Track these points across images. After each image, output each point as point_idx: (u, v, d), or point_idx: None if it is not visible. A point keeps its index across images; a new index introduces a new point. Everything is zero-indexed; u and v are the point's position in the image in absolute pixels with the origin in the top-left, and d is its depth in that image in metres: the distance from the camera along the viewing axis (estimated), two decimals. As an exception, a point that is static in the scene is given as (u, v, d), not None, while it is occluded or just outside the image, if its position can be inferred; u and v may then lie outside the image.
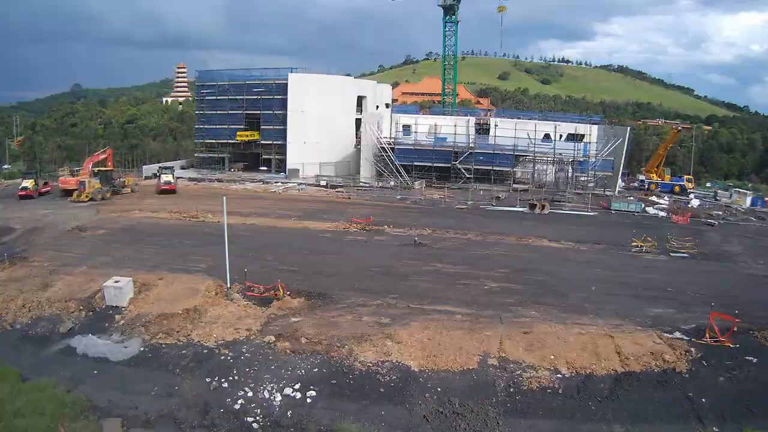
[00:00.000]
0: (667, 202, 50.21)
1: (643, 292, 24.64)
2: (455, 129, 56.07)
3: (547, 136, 56.69)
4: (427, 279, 25.68)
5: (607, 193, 53.38)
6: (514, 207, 45.07)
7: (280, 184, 55.21)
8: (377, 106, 67.32)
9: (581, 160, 54.77)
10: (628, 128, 64.17)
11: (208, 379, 17.23)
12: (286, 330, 19.56)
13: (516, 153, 54.88)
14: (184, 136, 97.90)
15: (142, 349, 18.70)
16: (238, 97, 63.09)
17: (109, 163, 50.72)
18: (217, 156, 64.33)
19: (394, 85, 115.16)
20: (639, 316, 21.26)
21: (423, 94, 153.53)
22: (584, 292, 24.25)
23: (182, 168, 65.89)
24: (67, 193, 45.10)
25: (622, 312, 21.64)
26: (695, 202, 50.94)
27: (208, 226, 34.75)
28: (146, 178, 59.06)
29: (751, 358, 18.01)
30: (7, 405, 15.52)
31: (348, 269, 26.84)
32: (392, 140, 58.13)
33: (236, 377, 17.19)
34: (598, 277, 26.93)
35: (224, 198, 23.64)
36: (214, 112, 64.64)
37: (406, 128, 61.88)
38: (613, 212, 45.00)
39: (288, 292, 22.97)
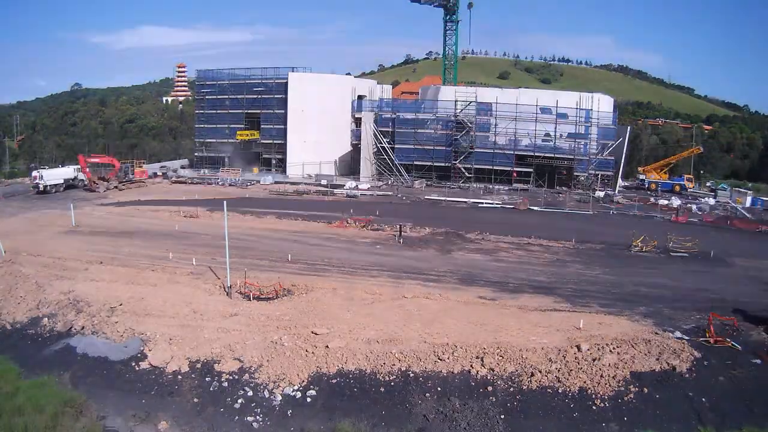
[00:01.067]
0: (677, 203, 49.45)
1: (643, 291, 24.62)
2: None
3: (547, 136, 56.72)
4: (423, 276, 25.70)
5: (608, 192, 53.38)
6: (506, 205, 45.62)
7: (277, 182, 55.18)
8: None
9: (581, 159, 54.80)
10: (629, 127, 64.21)
11: (208, 379, 17.23)
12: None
13: (516, 152, 54.98)
14: (184, 135, 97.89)
15: (142, 348, 18.69)
16: (238, 96, 63.11)
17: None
18: (217, 155, 64.32)
19: (394, 84, 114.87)
20: (639, 315, 21.25)
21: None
22: (584, 292, 24.26)
23: (182, 167, 65.94)
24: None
25: (622, 311, 21.64)
26: (694, 206, 48.18)
27: (208, 226, 34.73)
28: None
29: (751, 358, 18.02)
30: (6, 403, 15.51)
31: (344, 264, 26.90)
32: (392, 140, 58.12)
33: (237, 376, 17.20)
34: (598, 276, 26.93)
35: (225, 202, 23.74)
36: (215, 111, 64.65)
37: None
38: (613, 213, 45.01)
39: (286, 291, 23.03)
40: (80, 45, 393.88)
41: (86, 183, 50.69)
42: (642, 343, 18.44)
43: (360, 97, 63.35)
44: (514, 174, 55.80)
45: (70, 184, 49.86)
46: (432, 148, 57.07)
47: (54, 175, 49.70)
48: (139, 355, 18.42)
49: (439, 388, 16.60)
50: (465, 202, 47.31)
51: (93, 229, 33.93)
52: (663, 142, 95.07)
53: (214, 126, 64.24)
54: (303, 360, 17.74)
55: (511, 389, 16.56)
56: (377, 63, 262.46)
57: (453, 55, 74.25)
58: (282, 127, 60.48)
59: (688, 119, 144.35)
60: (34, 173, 49.53)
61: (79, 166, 51.33)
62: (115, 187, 50.82)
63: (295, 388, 16.73)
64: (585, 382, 16.68)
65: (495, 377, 16.98)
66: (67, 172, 51.08)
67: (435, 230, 35.55)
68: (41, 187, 47.41)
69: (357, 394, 16.57)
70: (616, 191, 54.56)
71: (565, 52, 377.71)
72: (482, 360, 17.60)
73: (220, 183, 55.81)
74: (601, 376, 16.84)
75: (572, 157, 55.05)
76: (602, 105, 57.93)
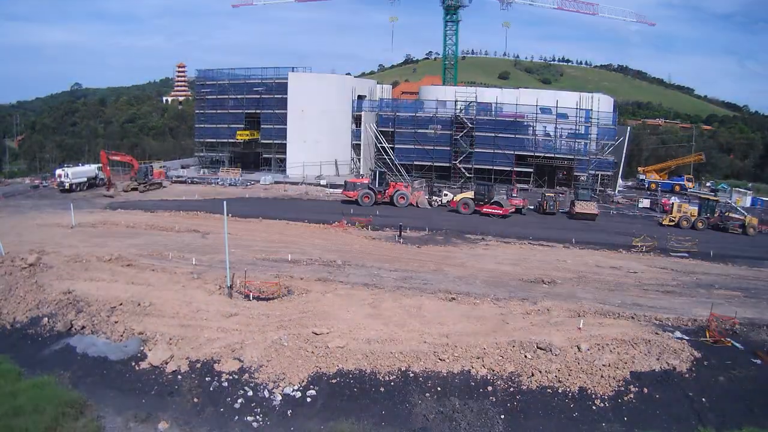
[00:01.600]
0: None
1: (643, 291, 24.63)
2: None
3: (547, 136, 56.71)
4: (423, 276, 25.69)
5: (608, 191, 53.41)
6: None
7: (277, 182, 55.16)
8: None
9: (581, 159, 54.82)
10: (629, 128, 64.23)
11: (208, 379, 17.23)
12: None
13: (516, 152, 55.00)
14: (184, 135, 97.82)
15: (141, 348, 18.69)
16: (238, 96, 63.11)
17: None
18: (216, 156, 64.31)
19: (394, 84, 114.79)
20: (639, 315, 21.22)
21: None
22: (584, 291, 24.26)
23: (182, 167, 65.92)
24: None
25: (622, 311, 21.62)
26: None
27: (208, 226, 34.72)
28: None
29: (751, 358, 18.03)
30: (7, 403, 15.51)
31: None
32: (392, 140, 58.14)
33: (237, 376, 17.20)
34: (598, 276, 26.93)
35: (225, 202, 23.75)
36: (215, 111, 64.62)
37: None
38: (613, 213, 45.01)
39: (286, 291, 23.05)
40: (80, 45, 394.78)
41: (105, 181, 49.53)
42: (642, 343, 18.45)
43: (360, 97, 63.32)
44: (514, 174, 55.82)
45: (92, 183, 49.85)
46: (432, 148, 57.09)
47: (79, 173, 49.72)
48: (138, 354, 18.41)
49: (439, 388, 16.61)
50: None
51: (93, 229, 33.91)
52: (663, 142, 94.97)
53: (214, 126, 64.23)
54: (303, 360, 17.74)
55: (511, 389, 16.57)
56: (377, 63, 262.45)
57: (453, 55, 74.32)
58: (282, 127, 60.41)
59: (688, 119, 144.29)
60: (59, 171, 49.53)
61: (100, 165, 50.62)
62: (134, 189, 48.64)
63: (295, 388, 16.73)
64: (585, 382, 16.70)
65: (495, 377, 16.99)
66: (90, 170, 50.96)
67: (435, 230, 35.58)
68: (66, 185, 47.52)
69: (357, 394, 16.57)
70: (616, 191, 54.57)
71: (565, 52, 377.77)
72: (482, 360, 17.61)
73: (219, 183, 55.81)
74: (601, 376, 16.85)
75: (572, 157, 55.02)
76: (602, 105, 57.91)
